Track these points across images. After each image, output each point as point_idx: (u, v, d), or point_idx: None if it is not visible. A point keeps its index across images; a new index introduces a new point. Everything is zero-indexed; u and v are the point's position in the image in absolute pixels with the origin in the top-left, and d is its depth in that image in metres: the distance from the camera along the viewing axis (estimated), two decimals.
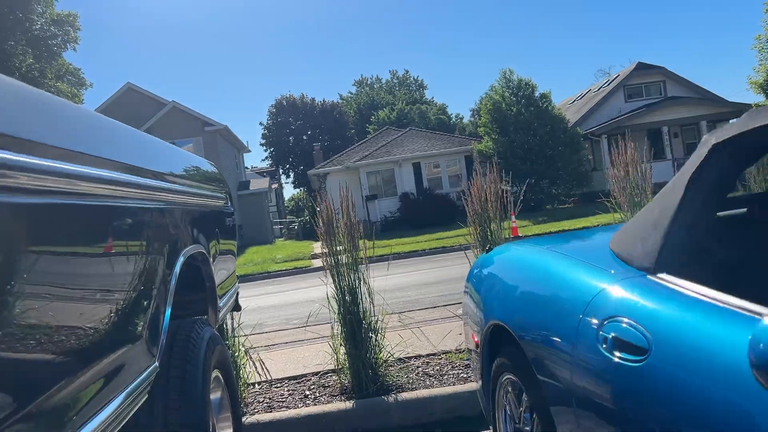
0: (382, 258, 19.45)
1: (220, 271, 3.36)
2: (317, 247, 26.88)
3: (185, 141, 30.12)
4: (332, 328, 4.85)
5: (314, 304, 11.24)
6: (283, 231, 46.67)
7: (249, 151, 39.97)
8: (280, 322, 10.39)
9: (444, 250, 19.25)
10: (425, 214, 27.48)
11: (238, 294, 4.43)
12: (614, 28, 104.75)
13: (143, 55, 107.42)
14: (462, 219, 24.73)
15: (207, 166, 3.54)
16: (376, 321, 4.62)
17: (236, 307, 4.28)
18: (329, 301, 4.78)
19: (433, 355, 5.61)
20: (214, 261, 3.08)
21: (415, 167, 29.86)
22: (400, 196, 29.35)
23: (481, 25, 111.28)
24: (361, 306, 4.44)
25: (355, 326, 4.35)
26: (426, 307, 9.79)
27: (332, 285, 4.83)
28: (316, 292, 13.58)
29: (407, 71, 75.22)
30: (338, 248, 4.55)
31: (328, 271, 4.67)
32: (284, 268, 19.39)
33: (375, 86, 74.37)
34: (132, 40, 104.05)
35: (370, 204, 29.68)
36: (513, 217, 19.05)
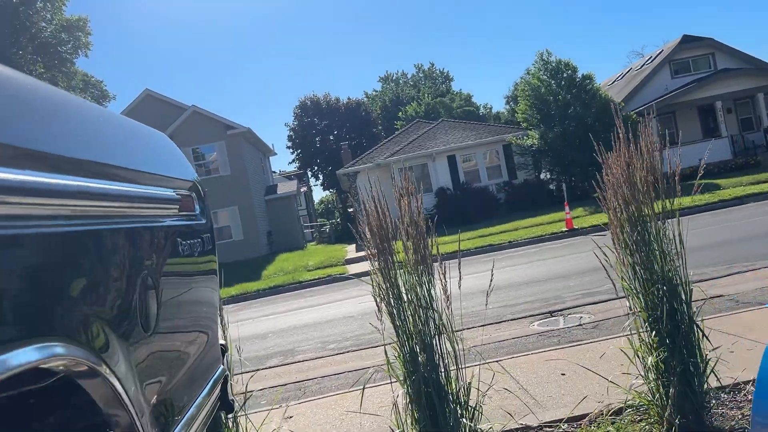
0: (421, 260, 17.61)
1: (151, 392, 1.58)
2: (351, 250, 25.31)
3: (209, 146, 28.85)
4: (394, 400, 3.13)
5: (353, 321, 9.50)
6: (315, 235, 45.30)
7: (275, 154, 38.61)
8: (315, 346, 8.78)
9: (492, 248, 17.47)
10: (464, 210, 25.68)
11: (225, 389, 2.61)
12: (646, 7, 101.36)
13: (159, 60, 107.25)
14: (504, 213, 22.86)
15: (150, 135, 1.94)
16: (461, 389, 2.92)
17: (225, 407, 2.51)
18: (386, 355, 3.08)
19: (553, 425, 3.86)
20: (134, 371, 1.38)
21: (450, 160, 28.08)
22: (436, 191, 27.59)
23: (504, 10, 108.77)
24: (441, 371, 2.76)
25: (435, 400, 2.68)
26: (491, 323, 8.08)
27: (386, 317, 3.14)
28: (353, 305, 11.96)
29: (432, 64, 73.42)
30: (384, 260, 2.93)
31: (381, 302, 2.99)
32: (317, 277, 17.82)
33: (400, 81, 72.69)
34: (147, 44, 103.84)
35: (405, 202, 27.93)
36: (566, 208, 17.26)
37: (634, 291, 3.27)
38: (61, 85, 21.79)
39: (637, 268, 3.25)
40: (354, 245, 27.86)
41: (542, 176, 29.06)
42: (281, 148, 76.59)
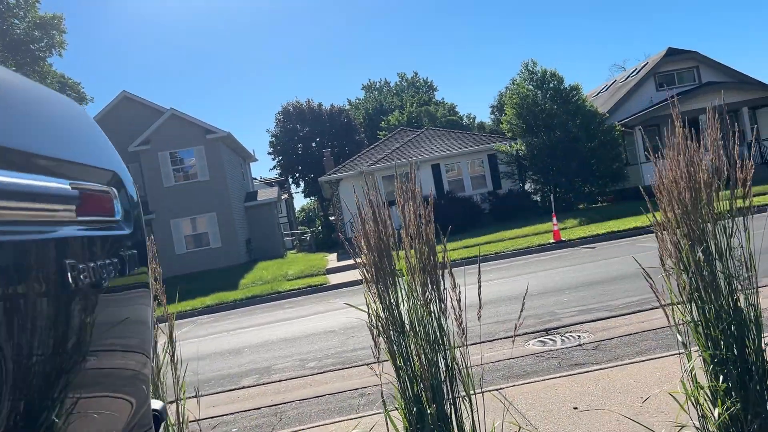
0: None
1: None
2: (332, 259, 24.69)
3: (187, 151, 28.10)
4: None
5: (334, 336, 8.88)
6: (295, 243, 44.55)
7: (255, 160, 37.88)
8: (293, 363, 8.17)
9: (477, 260, 16.96)
10: (448, 219, 24.91)
11: None
12: (628, 21, 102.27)
13: (139, 63, 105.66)
14: (488, 224, 22.22)
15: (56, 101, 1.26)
16: None
17: None
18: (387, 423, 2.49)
19: None
20: None
21: (435, 169, 27.62)
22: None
23: (488, 23, 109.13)
24: (453, 426, 2.20)
25: None
26: (484, 340, 7.54)
27: (384, 354, 2.58)
28: (334, 318, 11.34)
29: (416, 73, 73.26)
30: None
31: (378, 336, 2.43)
32: (297, 287, 17.18)
33: (384, 90, 72.31)
34: (125, 45, 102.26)
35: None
36: (554, 219, 16.82)
37: (693, 323, 2.67)
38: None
39: (697, 294, 2.67)
40: (335, 254, 27.25)
41: (527, 187, 28.72)
42: (262, 154, 75.82)
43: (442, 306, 2.40)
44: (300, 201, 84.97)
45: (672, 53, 30.31)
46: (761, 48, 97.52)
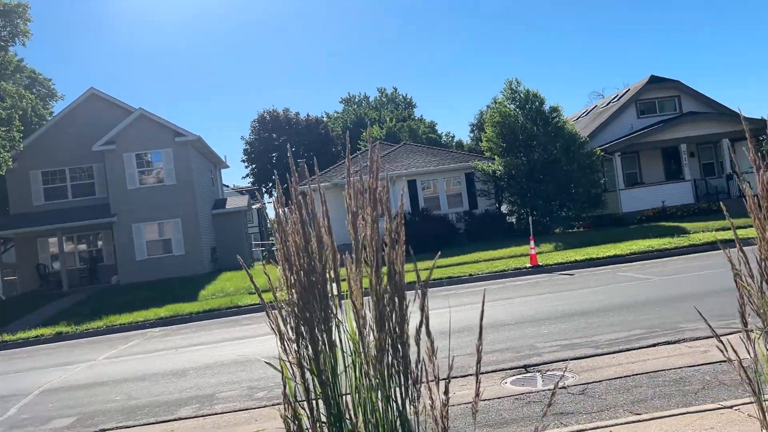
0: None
1: None
2: None
3: (155, 153, 26.96)
4: None
5: None
6: (264, 254, 43.39)
7: (227, 166, 36.71)
8: (241, 392, 7.24)
9: (450, 281, 16.18)
10: (422, 237, 24.34)
11: None
12: (605, 50, 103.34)
13: (108, 61, 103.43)
14: (463, 243, 21.27)
15: None
16: None
17: None
18: None
19: None
20: None
21: (410, 185, 26.86)
22: (394, 216, 26.22)
23: (470, 44, 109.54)
24: None
25: None
26: (456, 375, 6.70)
27: None
28: None
29: (396, 89, 72.78)
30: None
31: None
32: (259, 302, 16.17)
33: (363, 104, 71.76)
34: (95, 41, 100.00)
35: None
36: (532, 242, 16.11)
37: None
38: None
39: None
40: None
41: (503, 208, 28.09)
42: (236, 161, 74.40)
43: (412, 391, 1.57)
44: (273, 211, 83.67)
45: (654, 80, 30.09)
46: (741, 80, 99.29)
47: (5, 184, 27.22)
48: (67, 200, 27.45)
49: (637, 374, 6.03)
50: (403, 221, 2.06)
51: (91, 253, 29.08)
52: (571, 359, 6.91)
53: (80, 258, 28.96)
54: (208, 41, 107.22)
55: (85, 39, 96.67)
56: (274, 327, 1.83)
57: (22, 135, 24.22)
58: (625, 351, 6.99)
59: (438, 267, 18.71)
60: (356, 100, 72.98)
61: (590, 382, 5.96)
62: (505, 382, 6.36)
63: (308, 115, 52.93)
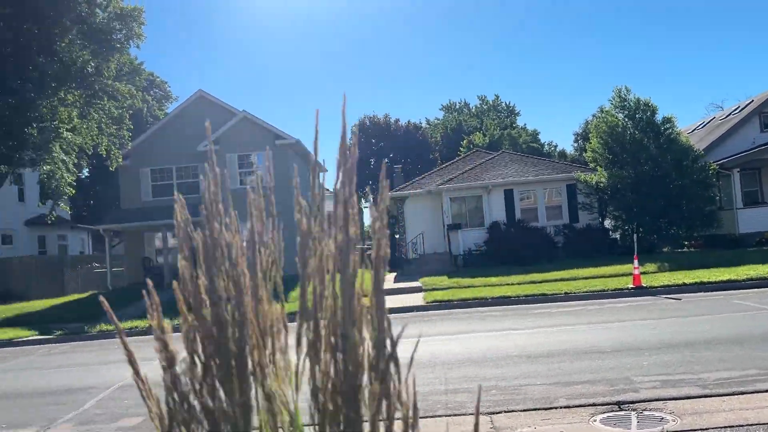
0: (464, 303, 15.19)
1: None
2: (389, 279, 23.48)
3: (255, 155, 27.63)
4: None
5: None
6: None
7: (325, 170, 37.22)
8: None
9: (545, 298, 15.33)
10: (516, 249, 23.55)
11: None
12: (724, 62, 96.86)
13: (214, 64, 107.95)
14: (561, 258, 20.10)
15: None
16: None
17: None
18: None
19: None
20: None
21: (507, 195, 25.98)
22: (488, 227, 25.47)
23: (576, 51, 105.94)
24: None
25: None
26: (539, 407, 6.07)
27: None
28: None
29: (497, 96, 71.39)
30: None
31: None
32: None
33: (463, 111, 70.99)
34: (203, 44, 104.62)
35: (452, 234, 26.02)
36: (636, 261, 14.95)
37: None
38: (105, 75, 20.89)
39: None
40: (394, 274, 26.05)
41: (606, 223, 26.60)
42: (334, 165, 75.47)
43: None
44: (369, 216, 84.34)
45: None
46: None
47: (118, 180, 28.79)
48: (173, 198, 28.65)
49: (752, 424, 5.21)
50: None
51: (192, 250, 30.21)
52: (672, 399, 6.13)
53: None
54: (309, 48, 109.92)
55: (193, 43, 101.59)
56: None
57: (131, 134, 25.48)
58: (738, 394, 6.12)
59: (532, 282, 17.90)
60: (456, 107, 72.34)
61: (695, 430, 5.19)
62: (595, 420, 5.69)
63: (408, 122, 52.91)
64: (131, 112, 25.16)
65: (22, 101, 18.65)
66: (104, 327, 15.65)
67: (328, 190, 41.51)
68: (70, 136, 21.54)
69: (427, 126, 62.75)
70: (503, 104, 70.76)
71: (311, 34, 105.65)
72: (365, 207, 60.68)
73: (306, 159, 32.35)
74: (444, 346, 9.97)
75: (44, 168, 21.42)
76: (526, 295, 15.74)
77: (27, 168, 23.12)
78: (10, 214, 32.16)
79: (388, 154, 51.71)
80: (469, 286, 18.19)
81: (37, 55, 18.79)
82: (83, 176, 40.63)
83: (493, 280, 18.91)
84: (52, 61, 19.20)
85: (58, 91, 20.30)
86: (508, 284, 17.93)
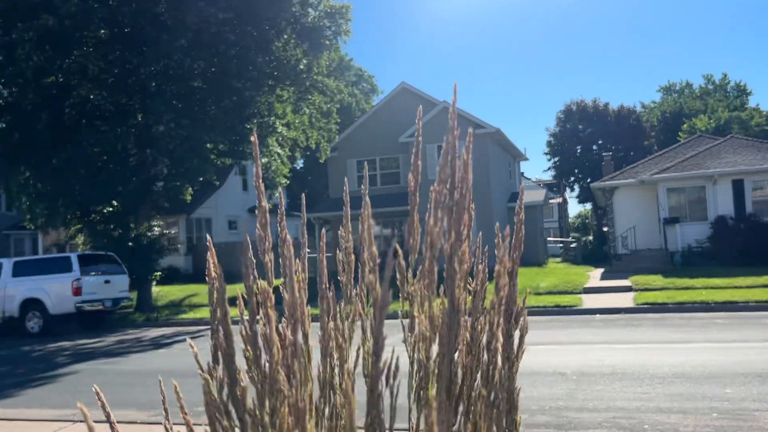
0: (681, 306, 13.50)
1: None
2: (594, 276, 21.98)
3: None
4: None
5: (563, 380, 6.98)
6: (561, 251, 41.83)
7: (526, 159, 35.99)
8: None
9: None
10: (747, 247, 20.72)
11: None
12: None
13: (416, 54, 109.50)
14: None
15: None
16: None
17: None
18: None
19: None
20: None
21: (736, 185, 22.92)
22: (713, 221, 22.69)
23: None
24: None
25: None
26: None
27: None
28: (570, 355, 9.32)
29: (725, 75, 63.94)
30: None
31: None
32: (543, 305, 15.20)
33: (684, 92, 64.67)
34: (404, 36, 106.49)
35: (669, 229, 23.63)
36: None
37: None
38: (315, 71, 22.02)
39: None
40: (601, 270, 24.40)
41: None
42: (537, 154, 73.35)
43: None
44: (575, 206, 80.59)
45: None
46: None
47: (327, 171, 30.46)
48: (376, 187, 29.60)
49: None
50: None
51: (394, 238, 31.05)
52: None
53: (384, 242, 31.10)
54: (509, 36, 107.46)
55: (396, 37, 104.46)
56: None
57: (338, 128, 26.72)
58: None
59: (765, 286, 15.54)
60: (677, 88, 66.11)
61: None
62: None
63: (620, 106, 49.36)
64: (338, 106, 26.39)
65: (242, 99, 20.36)
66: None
67: (528, 179, 40.50)
68: (285, 131, 23.11)
69: (642, 110, 58.13)
70: (732, 83, 63.31)
71: (506, 23, 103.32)
72: (570, 198, 58.04)
73: (506, 148, 31.56)
74: (656, 356, 8.91)
75: (261, 160, 23.24)
76: (758, 302, 13.66)
77: (248, 160, 25.26)
78: (235, 203, 35.58)
79: (597, 140, 48.73)
80: (687, 288, 16.30)
81: (256, 55, 20.34)
82: (298, 167, 43.80)
83: (717, 282, 16.76)
84: (269, 61, 20.70)
85: (274, 89, 21.87)
86: (735, 287, 15.75)
